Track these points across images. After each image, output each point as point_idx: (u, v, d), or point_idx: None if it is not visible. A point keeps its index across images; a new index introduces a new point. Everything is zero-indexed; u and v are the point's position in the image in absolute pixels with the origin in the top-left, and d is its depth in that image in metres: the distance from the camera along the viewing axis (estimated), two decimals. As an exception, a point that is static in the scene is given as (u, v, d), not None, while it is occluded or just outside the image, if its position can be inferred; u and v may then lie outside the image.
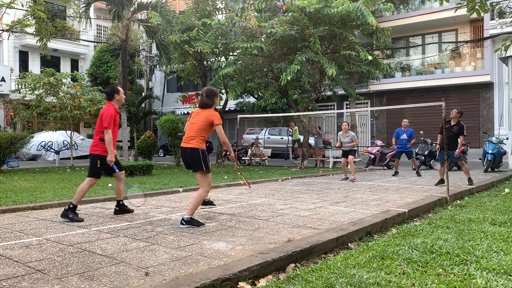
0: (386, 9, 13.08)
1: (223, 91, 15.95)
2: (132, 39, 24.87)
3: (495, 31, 17.67)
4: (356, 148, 11.26)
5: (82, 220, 5.10)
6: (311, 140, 17.93)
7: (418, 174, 11.76)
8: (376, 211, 5.63)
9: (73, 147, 18.03)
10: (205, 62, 16.99)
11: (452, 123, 8.84)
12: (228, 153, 5.57)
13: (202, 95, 5.05)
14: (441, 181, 8.92)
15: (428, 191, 7.97)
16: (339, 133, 10.98)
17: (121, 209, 5.69)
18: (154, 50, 26.57)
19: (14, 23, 13.38)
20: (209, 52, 14.91)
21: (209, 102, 5.00)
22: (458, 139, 8.82)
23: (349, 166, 10.76)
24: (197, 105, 5.20)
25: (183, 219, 4.77)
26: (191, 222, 4.75)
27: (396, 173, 12.02)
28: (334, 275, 3.06)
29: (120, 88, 5.50)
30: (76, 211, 5.18)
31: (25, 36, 20.40)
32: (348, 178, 10.67)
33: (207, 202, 5.87)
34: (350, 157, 10.65)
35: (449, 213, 5.67)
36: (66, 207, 5.21)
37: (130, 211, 5.74)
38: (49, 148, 20.29)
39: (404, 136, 11.64)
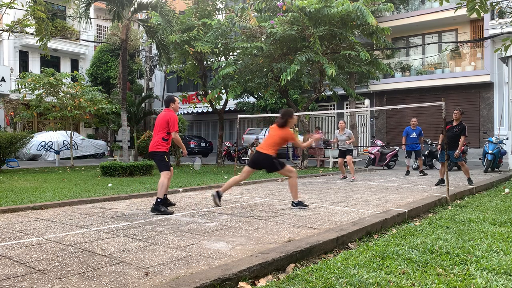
0: (386, 9, 13.08)
1: (223, 91, 15.96)
2: (132, 39, 24.85)
3: (495, 31, 17.66)
4: (353, 147, 11.30)
5: (172, 213, 5.58)
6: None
7: (424, 173, 12.04)
8: (376, 211, 5.63)
9: (73, 147, 18.04)
10: (205, 62, 16.99)
11: (455, 124, 8.84)
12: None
13: (279, 119, 6.11)
14: (441, 181, 8.92)
15: (428, 191, 7.97)
16: (336, 131, 11.10)
17: (158, 208, 6.04)
18: (154, 50, 26.55)
19: (14, 23, 13.38)
20: (209, 52, 14.91)
21: (284, 123, 6.06)
22: (460, 139, 8.82)
23: (348, 167, 10.84)
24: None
25: (293, 202, 6.00)
26: (300, 203, 5.96)
27: (407, 173, 12.22)
28: (334, 275, 3.06)
29: (176, 98, 6.19)
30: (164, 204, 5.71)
31: (25, 36, 20.40)
32: (346, 177, 10.74)
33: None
34: (349, 157, 10.71)
35: (449, 213, 5.67)
36: (155, 202, 5.71)
37: (173, 204, 6.26)
38: (49, 148, 20.29)
39: (414, 135, 11.96)
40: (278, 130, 6.13)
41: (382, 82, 21.04)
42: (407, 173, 12.25)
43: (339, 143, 10.92)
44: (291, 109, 6.40)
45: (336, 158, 15.86)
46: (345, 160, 10.91)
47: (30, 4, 12.50)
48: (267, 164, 6.09)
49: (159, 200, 5.68)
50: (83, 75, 24.06)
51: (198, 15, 15.69)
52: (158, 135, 5.92)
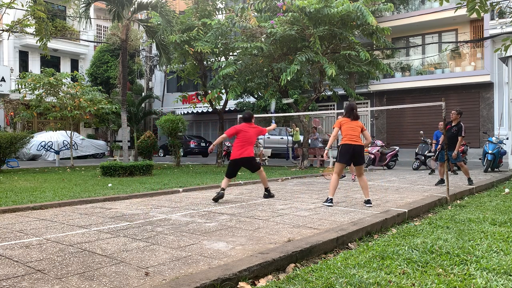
0: (386, 9, 13.09)
1: (223, 91, 15.95)
2: (132, 39, 24.85)
3: (495, 31, 17.66)
4: None
5: (273, 196, 7.21)
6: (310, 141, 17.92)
7: (454, 173, 11.96)
8: (376, 211, 5.63)
9: (73, 147, 18.04)
10: (205, 62, 16.99)
11: (453, 124, 8.85)
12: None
13: (354, 111, 6.43)
14: (441, 181, 8.91)
15: (428, 191, 7.97)
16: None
17: (269, 195, 7.22)
18: (154, 50, 26.56)
19: (14, 23, 13.38)
20: (209, 52, 14.91)
21: (357, 116, 6.43)
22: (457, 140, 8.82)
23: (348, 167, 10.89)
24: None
25: (367, 201, 6.14)
26: (369, 202, 6.14)
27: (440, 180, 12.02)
28: (334, 275, 3.06)
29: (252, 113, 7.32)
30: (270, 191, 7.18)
31: (25, 36, 20.40)
32: (344, 176, 10.76)
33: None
34: None
35: (449, 213, 5.67)
36: (265, 191, 7.26)
37: (273, 195, 7.30)
38: (49, 148, 20.30)
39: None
40: (356, 122, 6.37)
41: (382, 82, 21.04)
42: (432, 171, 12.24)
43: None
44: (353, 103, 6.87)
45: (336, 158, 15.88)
46: None
47: (30, 4, 12.50)
48: (362, 155, 6.30)
49: (268, 188, 7.15)
50: (83, 75, 24.05)
51: (198, 15, 15.69)
52: (251, 145, 7.07)
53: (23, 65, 24.52)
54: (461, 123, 8.85)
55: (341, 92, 18.17)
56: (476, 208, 6.13)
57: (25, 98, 16.11)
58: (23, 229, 4.66)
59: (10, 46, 23.57)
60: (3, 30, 14.82)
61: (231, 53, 16.28)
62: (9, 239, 4.17)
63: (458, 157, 8.90)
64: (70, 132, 16.56)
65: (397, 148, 15.24)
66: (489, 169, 12.54)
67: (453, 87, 19.78)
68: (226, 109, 19.45)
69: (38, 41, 13.03)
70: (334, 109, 23.10)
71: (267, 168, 14.97)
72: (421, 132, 15.25)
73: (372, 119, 22.67)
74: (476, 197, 7.53)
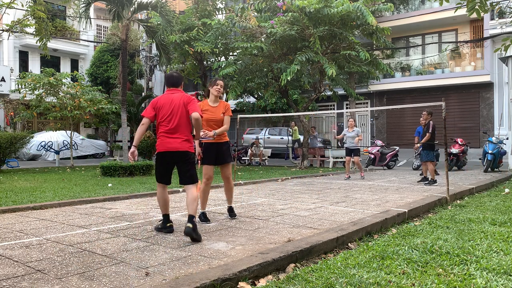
0: (386, 9, 13.09)
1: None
2: (132, 39, 24.84)
3: (495, 31, 17.66)
4: (359, 147, 11.29)
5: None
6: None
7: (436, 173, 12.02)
8: (376, 211, 5.63)
9: (73, 147, 18.04)
10: (205, 62, 17.00)
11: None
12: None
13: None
14: (425, 179, 9.59)
15: (428, 191, 7.97)
16: (345, 129, 11.13)
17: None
18: (154, 50, 26.55)
19: (14, 23, 13.38)
20: (209, 52, 14.92)
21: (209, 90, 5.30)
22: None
23: (355, 166, 11.05)
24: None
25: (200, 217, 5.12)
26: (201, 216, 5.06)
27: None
28: (334, 275, 3.06)
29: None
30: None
31: (25, 36, 20.38)
32: (350, 177, 10.82)
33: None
34: (356, 158, 10.88)
35: (449, 213, 5.67)
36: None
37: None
38: (49, 148, 20.29)
39: None
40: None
41: (382, 82, 21.03)
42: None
43: (346, 140, 10.91)
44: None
45: (336, 158, 15.95)
46: (353, 160, 11.00)
47: (30, 4, 12.49)
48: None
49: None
50: (83, 75, 24.04)
51: (198, 15, 15.70)
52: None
53: (23, 65, 24.50)
54: (431, 121, 9.28)
55: (341, 92, 18.16)
56: (476, 208, 6.13)
57: (25, 98, 16.10)
58: (23, 229, 4.66)
59: (10, 46, 23.55)
60: (3, 30, 14.82)
61: (231, 53, 16.28)
62: (9, 239, 4.17)
63: (427, 155, 9.22)
64: (70, 132, 16.55)
65: (397, 148, 15.24)
66: (489, 169, 12.54)
67: (453, 87, 19.78)
68: (226, 109, 19.43)
69: (38, 41, 13.03)
70: (334, 109, 23.10)
71: (267, 168, 14.97)
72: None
73: (372, 119, 22.66)
74: (476, 197, 7.53)
